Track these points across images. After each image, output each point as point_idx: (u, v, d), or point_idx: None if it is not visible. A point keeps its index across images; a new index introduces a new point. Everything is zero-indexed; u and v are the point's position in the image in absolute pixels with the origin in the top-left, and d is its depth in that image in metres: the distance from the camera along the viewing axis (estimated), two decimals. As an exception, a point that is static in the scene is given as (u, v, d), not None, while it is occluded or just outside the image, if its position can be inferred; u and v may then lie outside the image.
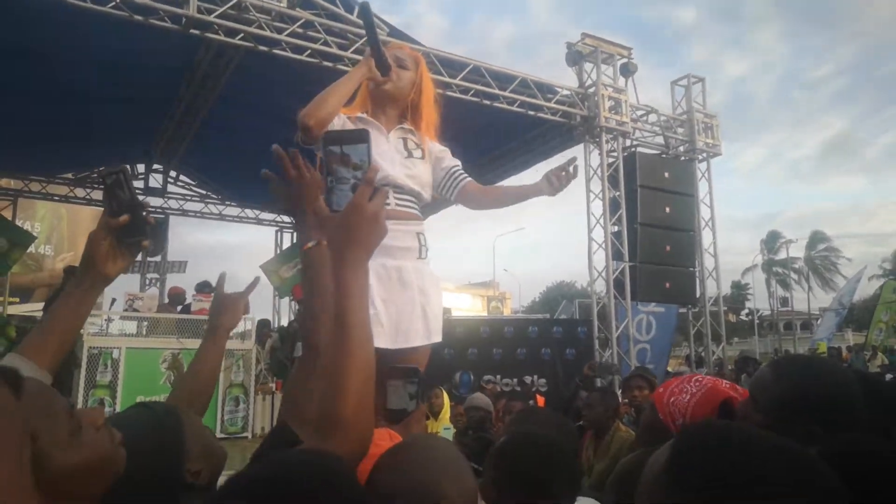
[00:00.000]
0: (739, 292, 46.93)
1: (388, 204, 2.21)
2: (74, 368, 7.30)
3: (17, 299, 14.56)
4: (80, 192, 12.75)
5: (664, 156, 10.12)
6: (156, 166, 12.67)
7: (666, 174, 9.54)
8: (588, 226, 9.26)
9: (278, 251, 13.66)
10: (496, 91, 8.17)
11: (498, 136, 9.66)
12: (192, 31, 6.51)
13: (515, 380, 9.19)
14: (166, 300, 9.76)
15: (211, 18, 6.46)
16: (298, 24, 6.89)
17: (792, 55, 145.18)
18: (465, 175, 2.32)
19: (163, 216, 13.04)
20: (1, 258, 9.72)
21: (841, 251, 46.77)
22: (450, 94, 7.35)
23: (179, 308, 9.03)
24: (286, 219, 13.83)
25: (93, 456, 0.95)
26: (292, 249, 12.20)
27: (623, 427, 3.59)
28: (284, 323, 12.74)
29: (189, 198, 13.55)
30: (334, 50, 7.09)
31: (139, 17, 6.23)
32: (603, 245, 9.09)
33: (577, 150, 9.53)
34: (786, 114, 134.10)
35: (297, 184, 1.36)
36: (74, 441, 0.93)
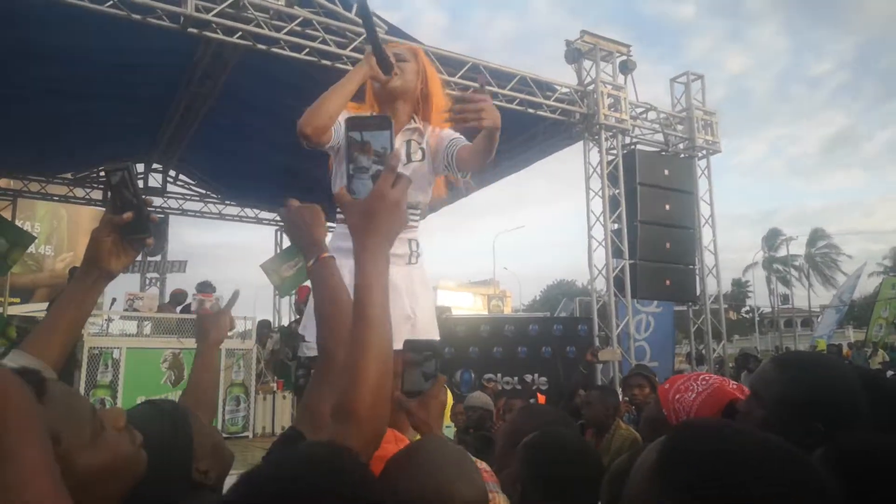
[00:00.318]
0: (740, 290, 46.95)
1: None
2: (75, 369, 7.29)
3: (18, 300, 14.55)
4: (79, 192, 12.75)
5: (664, 153, 10.10)
6: (155, 166, 12.66)
7: (666, 171, 9.53)
8: (588, 224, 9.25)
9: (278, 250, 13.64)
10: (495, 89, 8.15)
11: (497, 133, 9.62)
12: (190, 29, 6.50)
13: (516, 378, 9.19)
14: (167, 300, 9.76)
15: (209, 17, 6.45)
16: (297, 22, 6.88)
17: (792, 50, 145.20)
18: (458, 143, 2.22)
19: (162, 216, 13.03)
20: (0, 258, 9.71)
21: (841, 248, 46.85)
22: (448, 92, 7.33)
23: (179, 308, 9.04)
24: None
25: (115, 458, 0.95)
26: (292, 248, 12.18)
27: (624, 425, 3.59)
28: (285, 322, 12.75)
29: (188, 197, 13.55)
30: (333, 48, 7.07)
31: (137, 16, 6.21)
32: (603, 243, 9.08)
33: (576, 148, 9.53)
34: (786, 110, 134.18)
35: (287, 218, 1.52)
36: (97, 443, 0.93)
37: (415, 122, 2.26)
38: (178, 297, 9.35)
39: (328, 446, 0.89)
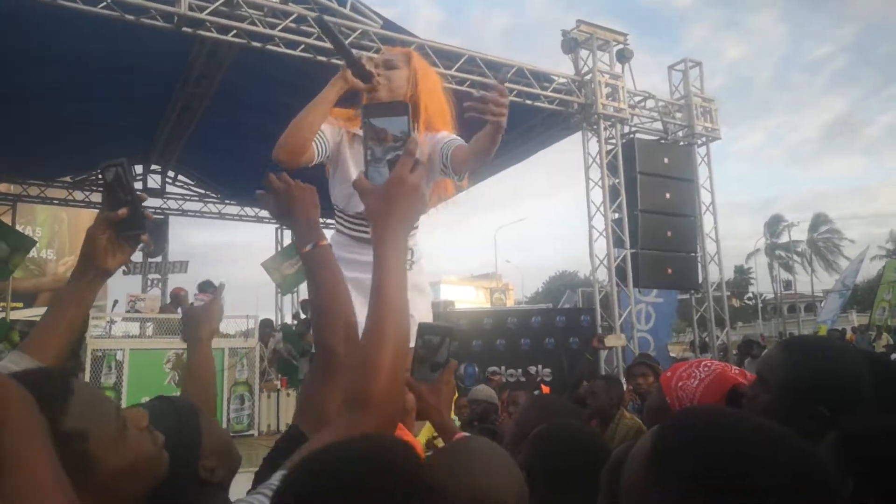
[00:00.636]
0: (742, 276, 46.93)
1: (370, 234, 2.18)
2: (79, 372, 7.31)
3: (21, 304, 14.60)
4: (78, 194, 12.75)
5: (663, 141, 10.07)
6: (154, 167, 12.65)
7: (665, 160, 9.50)
8: (588, 214, 9.24)
9: (279, 248, 13.65)
10: (494, 82, 8.11)
11: (495, 126, 9.60)
12: (184, 29, 6.48)
13: (520, 370, 9.20)
14: (168, 301, 9.77)
15: (203, 16, 6.42)
16: (291, 18, 6.85)
17: (790, 37, 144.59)
18: (452, 144, 2.15)
19: (162, 217, 13.03)
20: (1, 263, 9.72)
21: (843, 233, 46.75)
22: (445, 85, 7.31)
23: (179, 309, 9.04)
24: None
25: (138, 457, 0.96)
26: (293, 246, 12.18)
27: (628, 414, 3.58)
28: (287, 320, 12.77)
29: (188, 197, 13.54)
30: (328, 44, 7.04)
31: (131, 17, 6.19)
32: (604, 233, 9.07)
33: (575, 139, 9.50)
34: (785, 96, 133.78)
35: (283, 195, 1.40)
36: (122, 442, 0.94)
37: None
38: (177, 297, 9.35)
39: (384, 439, 0.87)
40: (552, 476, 1.49)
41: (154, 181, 12.84)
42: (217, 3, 6.44)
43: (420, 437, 2.67)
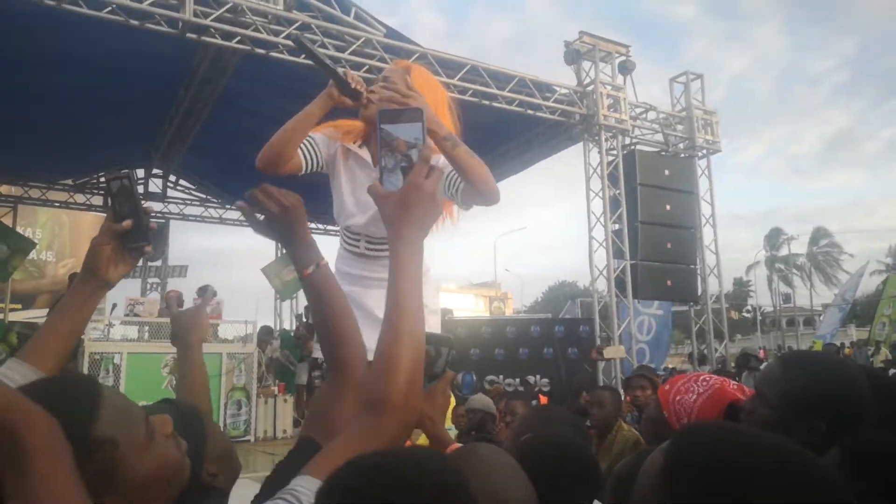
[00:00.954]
0: (742, 289, 46.91)
1: (359, 249, 2.19)
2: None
3: (20, 306, 14.57)
4: (79, 197, 12.76)
5: (664, 153, 10.10)
6: (155, 171, 12.67)
7: (666, 171, 9.53)
8: (589, 224, 9.25)
9: (279, 254, 13.64)
10: (494, 91, 8.15)
11: (497, 135, 9.64)
12: (188, 35, 6.51)
13: (518, 380, 9.19)
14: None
15: (207, 22, 6.45)
16: (295, 26, 6.88)
17: (792, 50, 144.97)
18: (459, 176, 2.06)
19: (163, 221, 13.04)
20: (1, 265, 9.72)
21: (843, 247, 46.77)
22: (448, 94, 7.34)
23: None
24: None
25: (166, 464, 0.97)
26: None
27: (626, 426, 3.57)
28: (287, 326, 12.75)
29: (189, 202, 13.55)
30: (332, 52, 7.08)
31: (135, 22, 6.22)
32: (604, 244, 9.08)
33: (576, 149, 9.53)
34: (786, 109, 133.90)
35: (280, 216, 1.30)
36: (150, 448, 0.94)
37: None
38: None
39: (426, 451, 0.87)
40: (538, 484, 1.49)
41: (155, 185, 12.87)
42: (222, 10, 6.48)
43: None
